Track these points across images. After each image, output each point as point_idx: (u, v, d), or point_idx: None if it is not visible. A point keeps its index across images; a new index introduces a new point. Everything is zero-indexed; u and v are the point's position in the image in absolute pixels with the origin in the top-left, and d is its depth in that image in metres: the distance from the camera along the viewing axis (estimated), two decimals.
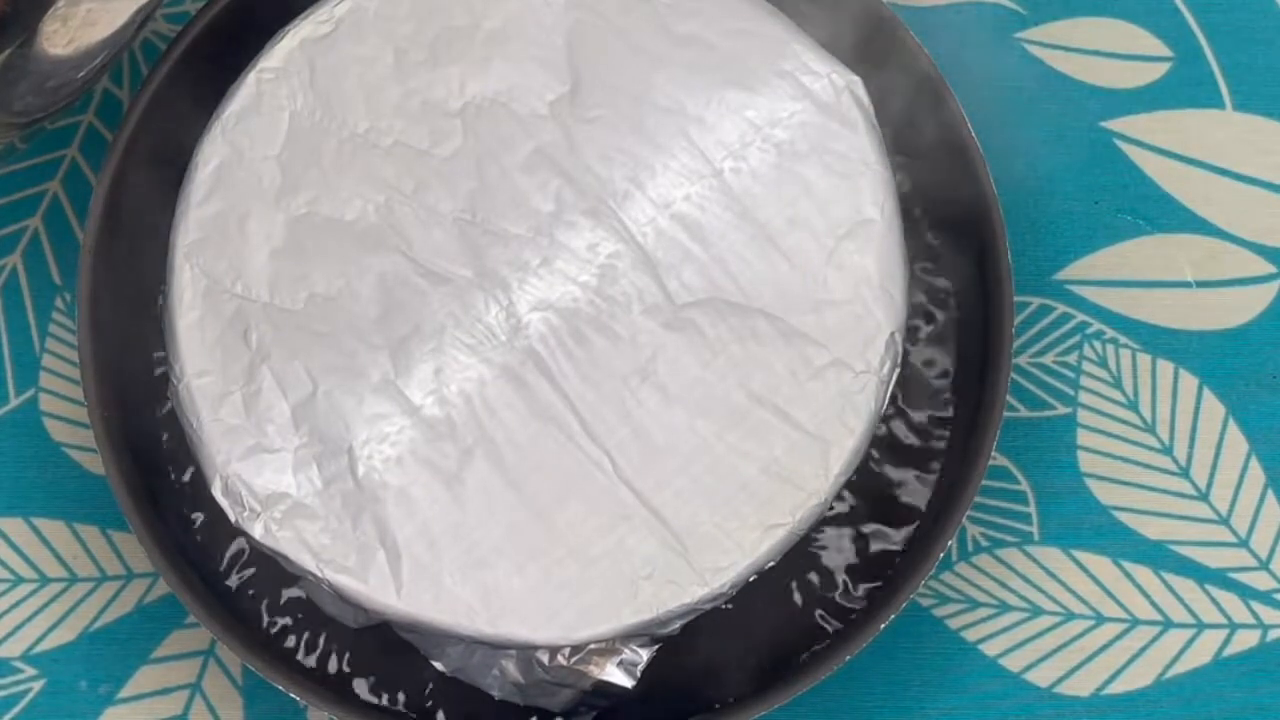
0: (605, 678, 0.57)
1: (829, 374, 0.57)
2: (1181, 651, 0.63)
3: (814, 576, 0.62)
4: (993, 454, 0.59)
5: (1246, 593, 0.63)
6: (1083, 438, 0.65)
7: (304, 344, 0.58)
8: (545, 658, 0.58)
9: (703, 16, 0.60)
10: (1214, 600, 0.63)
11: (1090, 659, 0.63)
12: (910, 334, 0.59)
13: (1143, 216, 0.66)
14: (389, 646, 0.61)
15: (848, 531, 0.62)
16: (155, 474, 0.61)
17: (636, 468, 0.57)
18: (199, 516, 0.62)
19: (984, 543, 0.64)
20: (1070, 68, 0.67)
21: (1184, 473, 0.64)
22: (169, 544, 0.60)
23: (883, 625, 0.58)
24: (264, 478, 0.57)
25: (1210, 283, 0.66)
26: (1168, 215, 0.66)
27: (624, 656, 0.57)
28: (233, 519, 0.57)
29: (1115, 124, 0.67)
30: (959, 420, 0.62)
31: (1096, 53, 0.67)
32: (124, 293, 0.61)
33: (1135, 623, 0.63)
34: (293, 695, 0.58)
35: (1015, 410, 0.65)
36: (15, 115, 0.53)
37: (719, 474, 0.57)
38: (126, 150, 0.61)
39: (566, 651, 0.57)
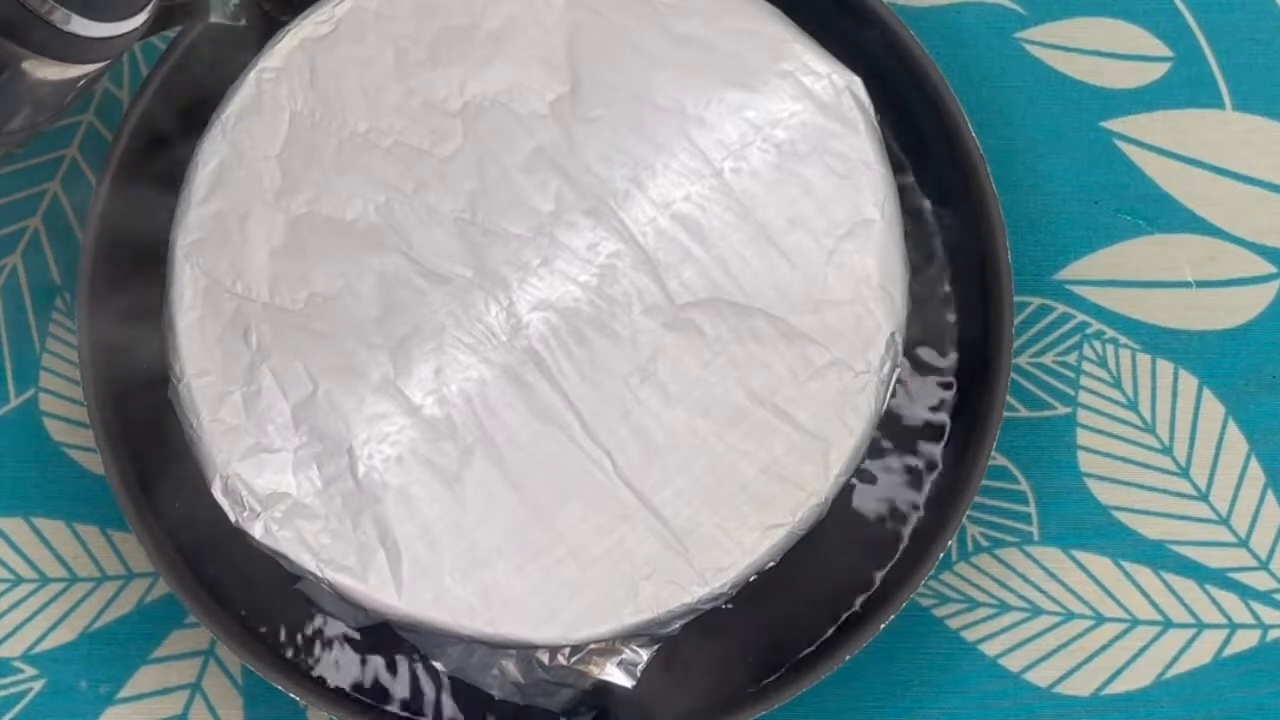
0: (605, 678, 0.57)
1: (829, 374, 0.57)
2: (1181, 651, 0.63)
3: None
4: (993, 454, 0.60)
5: (1246, 593, 0.63)
6: (1083, 438, 0.65)
7: (304, 344, 0.58)
8: (545, 658, 0.58)
9: (703, 16, 0.60)
10: (1214, 600, 0.63)
11: (1090, 659, 0.63)
12: (909, 332, 0.59)
13: (1143, 216, 0.66)
14: (389, 646, 0.61)
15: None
16: (155, 474, 0.61)
17: (637, 468, 0.57)
18: (199, 517, 0.62)
19: (984, 543, 0.64)
20: (1070, 68, 0.67)
21: (1184, 473, 0.64)
22: (169, 544, 0.60)
23: (883, 625, 0.58)
24: (264, 478, 0.57)
25: (1210, 283, 0.66)
26: (1168, 215, 0.66)
27: (624, 656, 0.57)
28: (233, 519, 0.57)
29: (1115, 124, 0.67)
30: (959, 420, 0.62)
31: (1096, 53, 0.67)
32: (124, 293, 0.61)
33: (1135, 623, 0.63)
34: (293, 695, 0.59)
35: (1015, 410, 0.65)
36: (14, 133, 0.53)
37: (719, 474, 0.57)
38: (126, 150, 0.61)
39: (566, 651, 0.57)
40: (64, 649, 0.63)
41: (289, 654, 0.61)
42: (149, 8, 0.52)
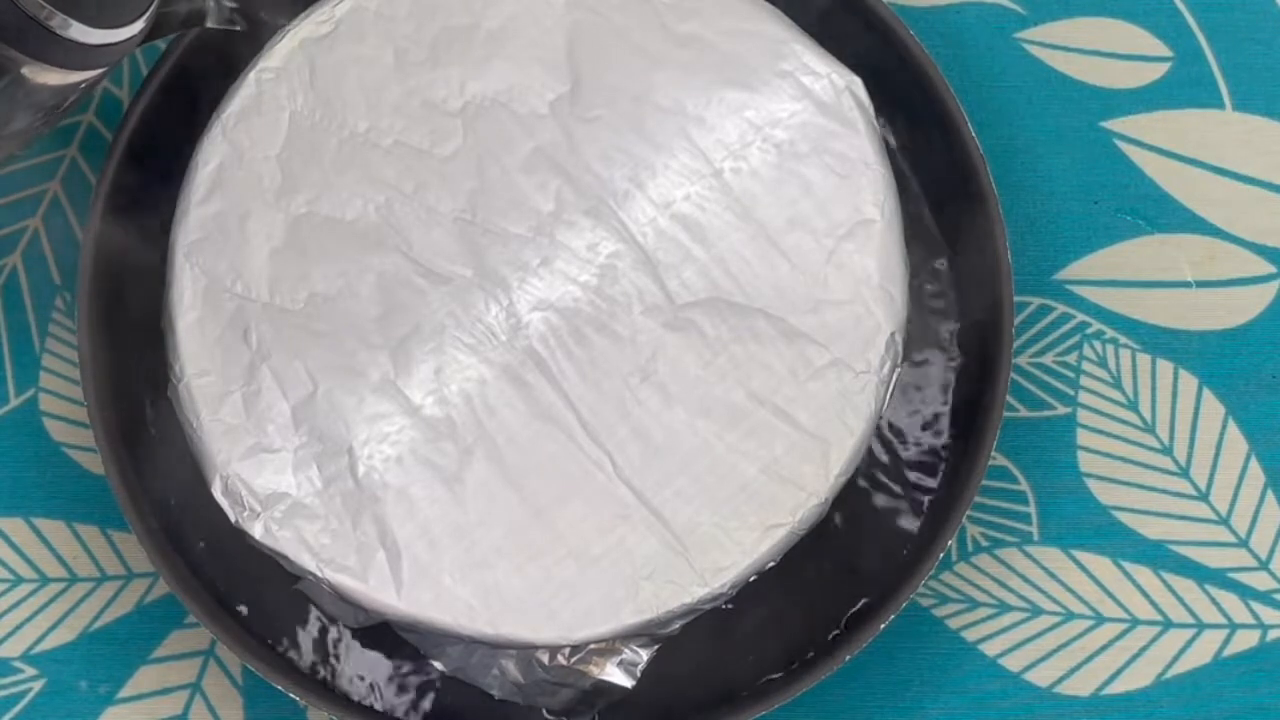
0: (605, 678, 0.57)
1: (829, 374, 0.57)
2: (1181, 651, 0.63)
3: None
4: (993, 454, 0.60)
5: (1246, 593, 0.63)
6: (1082, 438, 0.65)
7: (304, 344, 0.58)
8: (545, 658, 0.58)
9: (702, 16, 0.60)
10: (1214, 600, 0.63)
11: (1090, 659, 0.63)
12: (910, 333, 0.59)
13: (1143, 216, 0.66)
14: (389, 646, 0.61)
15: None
16: (155, 474, 0.61)
17: (636, 468, 0.57)
18: (199, 517, 0.62)
19: (984, 543, 0.64)
20: (1070, 68, 0.67)
21: (1184, 473, 0.64)
22: (169, 544, 0.60)
23: (883, 625, 0.58)
24: (264, 478, 0.57)
25: (1210, 283, 0.66)
26: (1168, 215, 0.66)
27: (624, 656, 0.57)
28: (233, 519, 0.57)
29: (1115, 124, 0.67)
30: (959, 420, 0.62)
31: (1096, 53, 0.67)
32: (124, 293, 0.61)
33: (1135, 623, 0.63)
34: (293, 695, 0.59)
35: (1015, 410, 0.65)
36: (12, 137, 0.54)
37: (719, 474, 0.57)
38: (126, 150, 0.61)
39: (566, 651, 0.57)
40: (64, 649, 0.63)
41: (289, 654, 0.61)
42: (147, 15, 0.52)
